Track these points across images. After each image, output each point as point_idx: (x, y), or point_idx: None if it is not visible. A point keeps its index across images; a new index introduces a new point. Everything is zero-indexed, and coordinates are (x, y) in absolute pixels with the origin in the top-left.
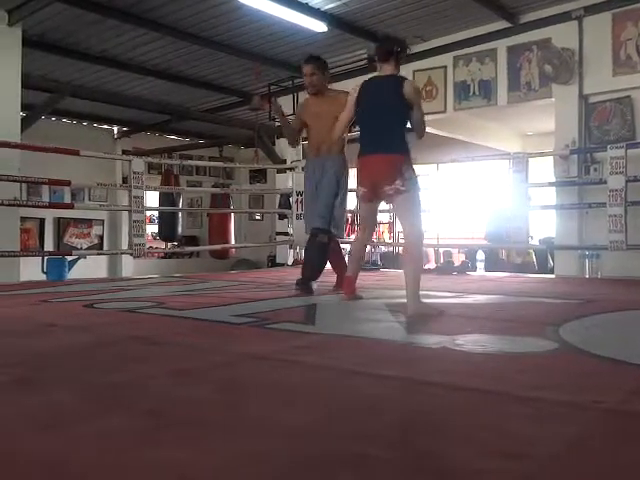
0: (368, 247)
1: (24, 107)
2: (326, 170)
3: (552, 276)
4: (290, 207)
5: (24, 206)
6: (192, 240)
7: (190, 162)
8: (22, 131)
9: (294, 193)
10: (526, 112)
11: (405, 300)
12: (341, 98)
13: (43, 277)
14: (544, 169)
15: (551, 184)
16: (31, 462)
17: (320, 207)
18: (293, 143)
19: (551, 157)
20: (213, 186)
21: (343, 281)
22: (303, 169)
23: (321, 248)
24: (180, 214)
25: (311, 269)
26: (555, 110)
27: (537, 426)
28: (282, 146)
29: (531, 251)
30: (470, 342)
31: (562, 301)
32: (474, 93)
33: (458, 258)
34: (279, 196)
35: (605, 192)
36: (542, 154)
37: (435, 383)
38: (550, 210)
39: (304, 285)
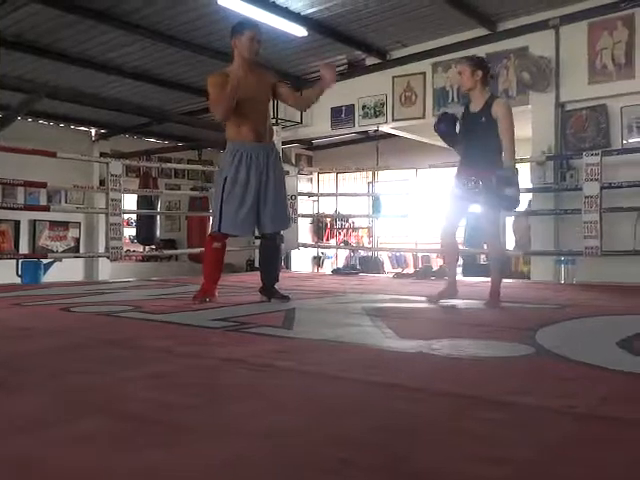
0: (347, 251)
1: (0, 108)
2: (274, 163)
3: (528, 281)
4: None
5: None
6: (170, 243)
7: (169, 165)
8: None
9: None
10: None
11: (383, 305)
12: (270, 79)
13: (18, 280)
14: (521, 175)
15: (527, 190)
16: (8, 466)
17: (281, 208)
18: (228, 119)
19: (528, 163)
20: (192, 189)
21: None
22: (229, 153)
23: (279, 251)
24: (158, 217)
25: (276, 273)
26: (532, 117)
27: (513, 431)
28: None
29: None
30: (447, 347)
31: (538, 306)
32: (453, 99)
33: (436, 263)
34: None
35: (580, 198)
36: (520, 160)
37: (412, 388)
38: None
39: (277, 293)
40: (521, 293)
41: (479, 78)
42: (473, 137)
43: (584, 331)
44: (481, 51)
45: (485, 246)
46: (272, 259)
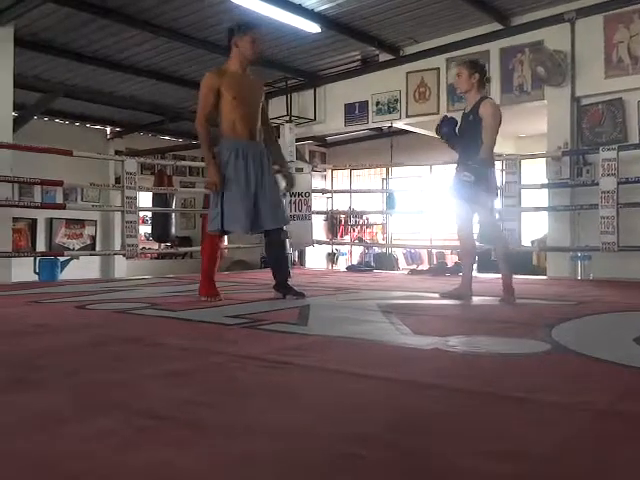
0: (361, 248)
1: (16, 107)
2: (267, 161)
3: (544, 278)
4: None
5: (16, 206)
6: (185, 241)
7: (183, 163)
8: (14, 131)
9: (287, 194)
10: (518, 114)
11: (398, 301)
12: (262, 87)
13: (35, 278)
14: (536, 171)
15: (543, 186)
16: (25, 462)
17: (279, 205)
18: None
19: (543, 159)
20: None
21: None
22: (224, 150)
23: (285, 247)
24: (173, 215)
25: (287, 269)
26: (547, 112)
27: (529, 427)
28: None
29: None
30: (462, 343)
31: (554, 303)
32: None
33: (451, 259)
34: None
35: (597, 194)
36: (534, 156)
37: (427, 384)
38: (542, 212)
39: (292, 289)
40: (537, 289)
41: (475, 81)
42: (464, 136)
43: (601, 327)
44: (495, 46)
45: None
46: (280, 255)
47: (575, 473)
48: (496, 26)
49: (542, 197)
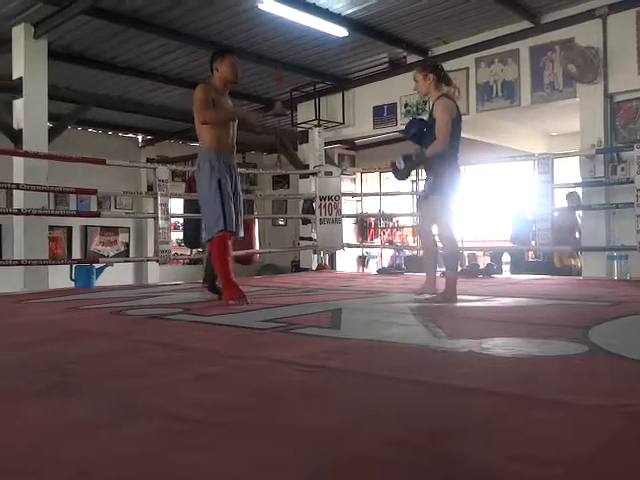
0: (392, 251)
1: (51, 118)
2: (238, 174)
3: (580, 278)
4: (313, 212)
5: (52, 215)
6: None
7: None
8: (49, 141)
9: (317, 198)
10: (550, 112)
11: (430, 304)
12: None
13: (72, 285)
14: (570, 170)
15: (577, 185)
16: (68, 468)
17: (241, 216)
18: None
19: (577, 157)
20: None
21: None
22: (211, 160)
23: None
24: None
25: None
26: (580, 110)
27: (565, 430)
28: (305, 151)
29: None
30: (497, 346)
31: (591, 303)
32: (497, 94)
33: (483, 261)
34: (302, 201)
35: (632, 192)
36: (567, 154)
37: (462, 388)
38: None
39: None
40: (573, 290)
41: (431, 81)
42: (432, 137)
43: (639, 328)
44: (524, 44)
45: (533, 243)
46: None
47: (613, 477)
48: (525, 24)
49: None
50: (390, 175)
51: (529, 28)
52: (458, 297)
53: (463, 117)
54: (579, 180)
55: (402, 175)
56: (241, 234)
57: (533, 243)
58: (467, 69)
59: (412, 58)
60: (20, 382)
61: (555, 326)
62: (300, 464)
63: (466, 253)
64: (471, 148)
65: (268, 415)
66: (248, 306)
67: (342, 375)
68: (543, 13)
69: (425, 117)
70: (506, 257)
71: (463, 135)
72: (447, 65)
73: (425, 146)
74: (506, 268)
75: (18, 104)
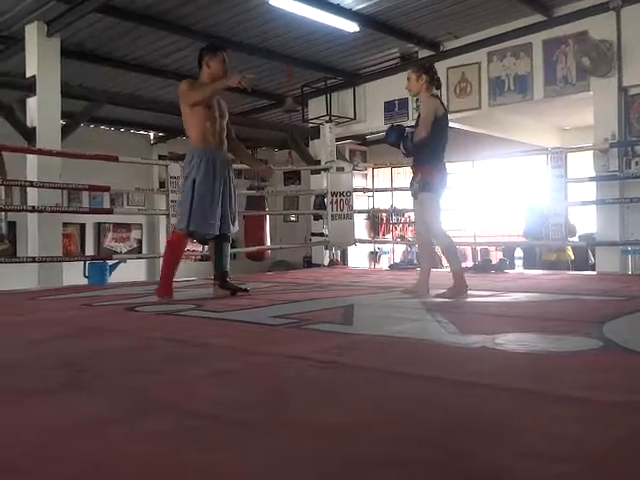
0: (404, 246)
1: (64, 115)
2: (231, 171)
3: (593, 273)
4: (325, 208)
5: (66, 212)
6: None
7: None
8: (62, 139)
9: (329, 194)
10: (563, 106)
11: (442, 299)
12: (226, 106)
13: (85, 281)
14: (583, 164)
15: (591, 179)
16: (81, 463)
17: (235, 213)
18: (205, 101)
19: (590, 151)
20: (248, 188)
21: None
22: (195, 157)
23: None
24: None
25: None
26: (594, 103)
27: (582, 427)
28: (316, 147)
29: (568, 248)
30: (511, 341)
31: (605, 298)
32: (509, 88)
33: (496, 256)
34: (314, 197)
35: None
36: (581, 149)
37: (475, 384)
38: (590, 206)
39: (238, 287)
40: (587, 285)
41: (424, 82)
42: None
43: None
44: (537, 38)
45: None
46: (228, 253)
47: (630, 474)
48: (538, 18)
49: (590, 191)
50: (401, 170)
51: (542, 21)
52: (470, 292)
53: (475, 112)
54: (593, 174)
55: (394, 138)
56: (232, 230)
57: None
58: (479, 63)
59: (423, 53)
60: (33, 379)
61: (569, 321)
62: (315, 461)
63: (478, 248)
64: (483, 143)
65: (283, 411)
66: (260, 302)
67: (355, 371)
68: (556, 6)
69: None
70: (519, 252)
71: (474, 130)
72: (459, 60)
73: (407, 150)
74: (519, 263)
75: (31, 102)
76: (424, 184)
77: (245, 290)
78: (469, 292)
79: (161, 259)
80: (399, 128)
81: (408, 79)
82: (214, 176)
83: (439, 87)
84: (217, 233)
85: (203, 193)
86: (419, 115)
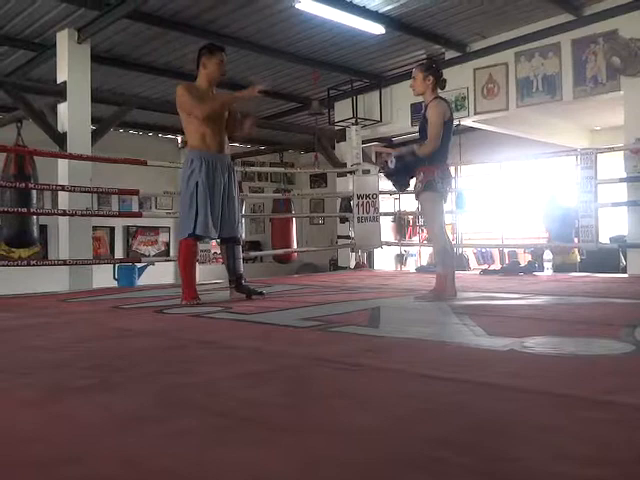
0: (430, 249)
1: (94, 120)
2: (232, 174)
3: (625, 276)
4: (351, 210)
5: (96, 216)
6: (255, 245)
7: (252, 168)
8: (92, 143)
9: (355, 196)
10: (593, 106)
11: (470, 302)
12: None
13: (114, 283)
14: (614, 165)
15: (622, 180)
16: (112, 461)
17: (238, 216)
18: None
19: (621, 152)
20: (275, 191)
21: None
22: (193, 161)
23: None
24: (243, 220)
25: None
26: (624, 103)
27: (612, 430)
28: (342, 150)
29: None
30: (540, 344)
31: (636, 302)
32: (537, 89)
33: (524, 258)
34: (340, 200)
35: None
36: (611, 149)
37: (503, 386)
38: (621, 207)
39: (253, 289)
40: (617, 288)
41: (430, 83)
42: (422, 138)
43: None
44: (566, 37)
45: (576, 240)
46: (239, 256)
47: None
48: (567, 17)
49: (621, 192)
50: None
51: (571, 21)
52: (498, 295)
53: (503, 113)
54: (623, 175)
55: (399, 182)
56: (236, 234)
57: (576, 240)
58: (506, 64)
59: (450, 54)
60: (66, 378)
61: (599, 325)
62: (344, 462)
63: (506, 251)
64: (510, 144)
65: (311, 413)
66: (287, 304)
67: (382, 373)
68: (585, 5)
69: (454, 119)
70: (547, 255)
71: (500, 131)
72: (486, 60)
73: (401, 186)
74: (548, 265)
75: (62, 108)
76: (426, 184)
77: (260, 293)
78: (497, 295)
79: None
80: (398, 159)
81: (413, 77)
82: (214, 180)
83: (444, 88)
84: (216, 236)
85: (204, 197)
86: (424, 118)
